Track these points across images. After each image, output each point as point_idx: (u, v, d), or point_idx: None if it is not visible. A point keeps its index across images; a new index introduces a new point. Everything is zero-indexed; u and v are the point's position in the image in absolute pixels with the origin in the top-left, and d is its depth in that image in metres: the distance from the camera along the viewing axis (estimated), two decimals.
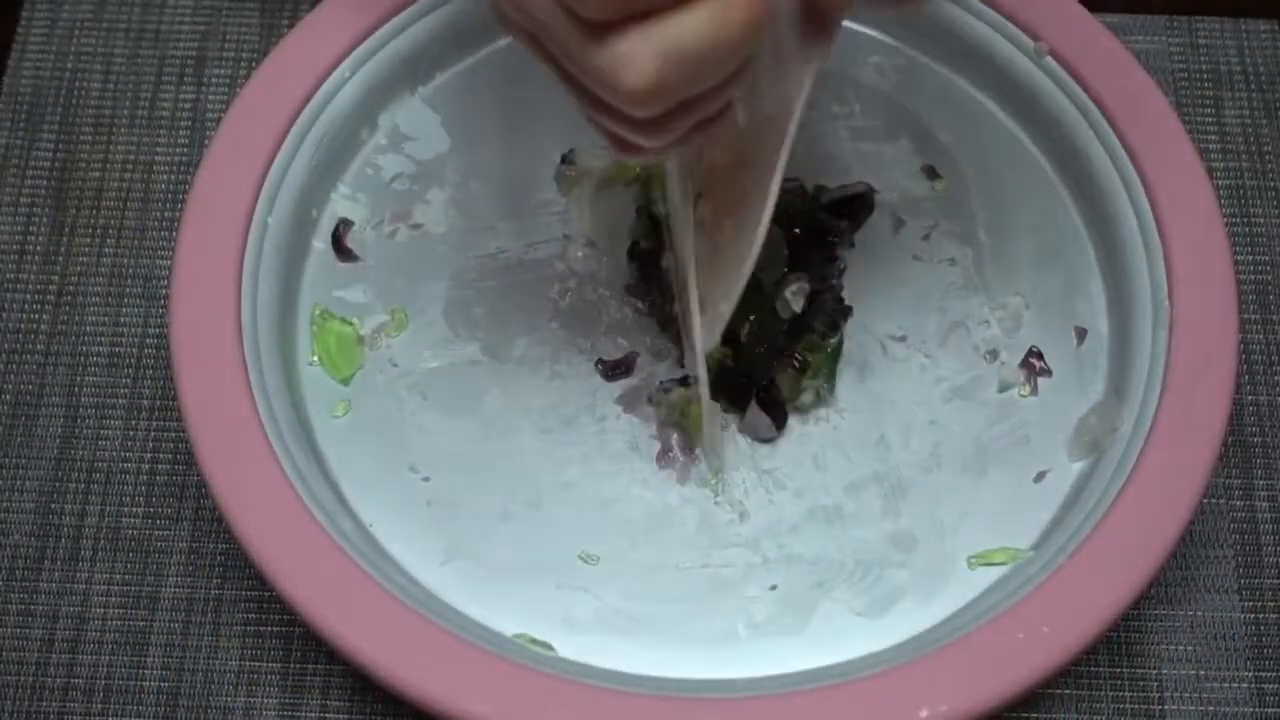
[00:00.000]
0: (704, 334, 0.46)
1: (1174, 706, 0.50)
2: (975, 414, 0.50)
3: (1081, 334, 0.51)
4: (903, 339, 0.52)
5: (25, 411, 0.54)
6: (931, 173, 0.54)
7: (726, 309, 0.45)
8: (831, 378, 0.50)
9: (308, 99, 0.51)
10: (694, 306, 0.45)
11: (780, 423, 0.50)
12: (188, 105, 0.60)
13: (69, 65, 0.61)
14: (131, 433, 0.54)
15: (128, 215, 0.58)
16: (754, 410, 0.49)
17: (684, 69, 0.33)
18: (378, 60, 0.53)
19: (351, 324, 0.51)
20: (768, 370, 0.50)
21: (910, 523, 0.48)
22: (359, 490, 0.49)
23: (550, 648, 0.46)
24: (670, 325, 0.51)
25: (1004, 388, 0.51)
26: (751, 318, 0.49)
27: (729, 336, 0.49)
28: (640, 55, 0.33)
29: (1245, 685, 0.50)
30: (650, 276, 0.51)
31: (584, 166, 0.54)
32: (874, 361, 0.51)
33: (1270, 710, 0.50)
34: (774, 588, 0.47)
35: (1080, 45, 0.52)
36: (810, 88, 0.41)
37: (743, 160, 0.45)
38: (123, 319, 0.56)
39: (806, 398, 0.50)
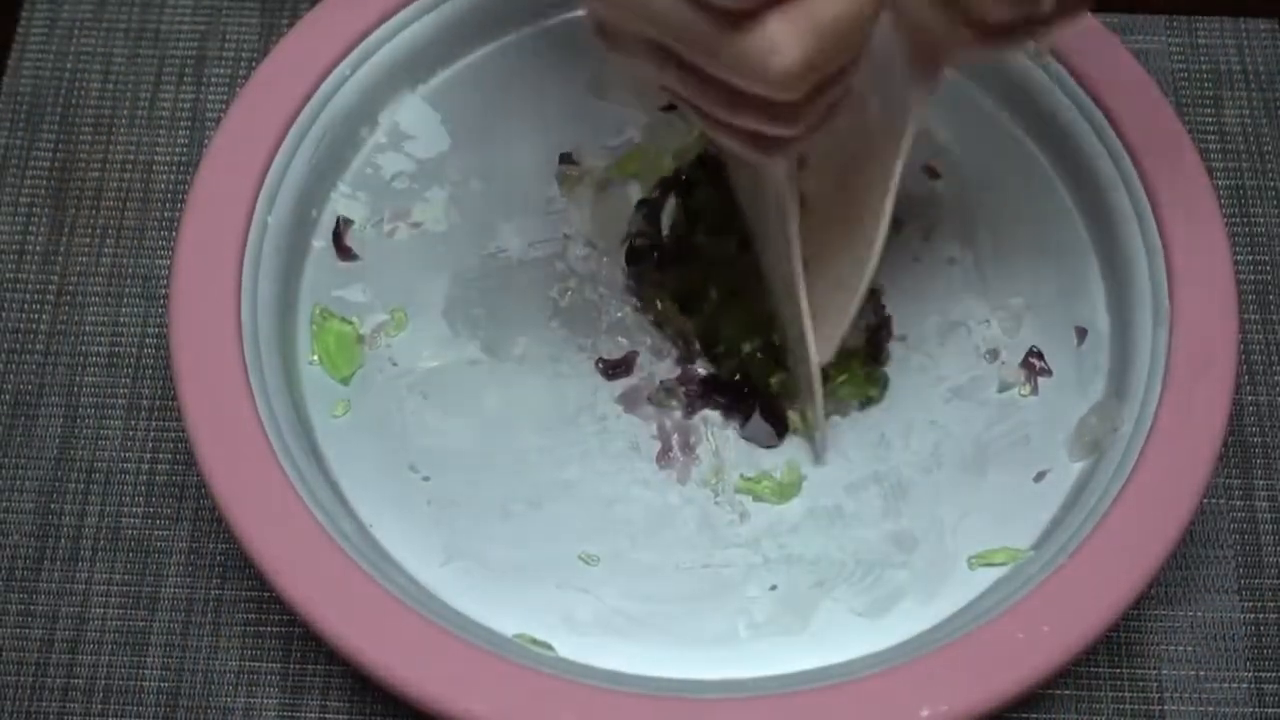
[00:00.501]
0: (817, 352, 0.47)
1: (1174, 707, 0.50)
2: (976, 414, 0.50)
3: (1082, 334, 0.51)
4: (903, 339, 0.52)
5: (25, 411, 0.54)
6: (932, 173, 0.54)
7: (837, 330, 0.47)
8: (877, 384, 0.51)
9: (307, 98, 0.51)
10: (807, 322, 0.46)
11: (781, 432, 0.50)
12: (187, 105, 0.60)
13: (69, 65, 0.61)
14: (131, 433, 0.54)
15: (127, 215, 0.58)
16: (756, 420, 0.49)
17: (824, 44, 0.35)
18: (378, 59, 0.53)
19: (351, 323, 0.51)
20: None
21: (911, 523, 0.48)
22: (359, 490, 0.49)
23: (550, 648, 0.46)
24: (668, 324, 0.51)
25: (1004, 388, 0.51)
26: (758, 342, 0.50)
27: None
28: (786, 36, 0.34)
29: (1245, 685, 0.50)
30: (643, 277, 0.51)
31: (585, 166, 0.54)
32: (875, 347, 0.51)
33: (1270, 711, 0.50)
34: (774, 588, 0.47)
35: (1080, 45, 0.52)
36: (918, 117, 0.43)
37: (844, 184, 0.46)
38: (122, 319, 0.56)
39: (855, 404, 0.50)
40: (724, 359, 0.50)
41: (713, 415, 0.50)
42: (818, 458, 0.49)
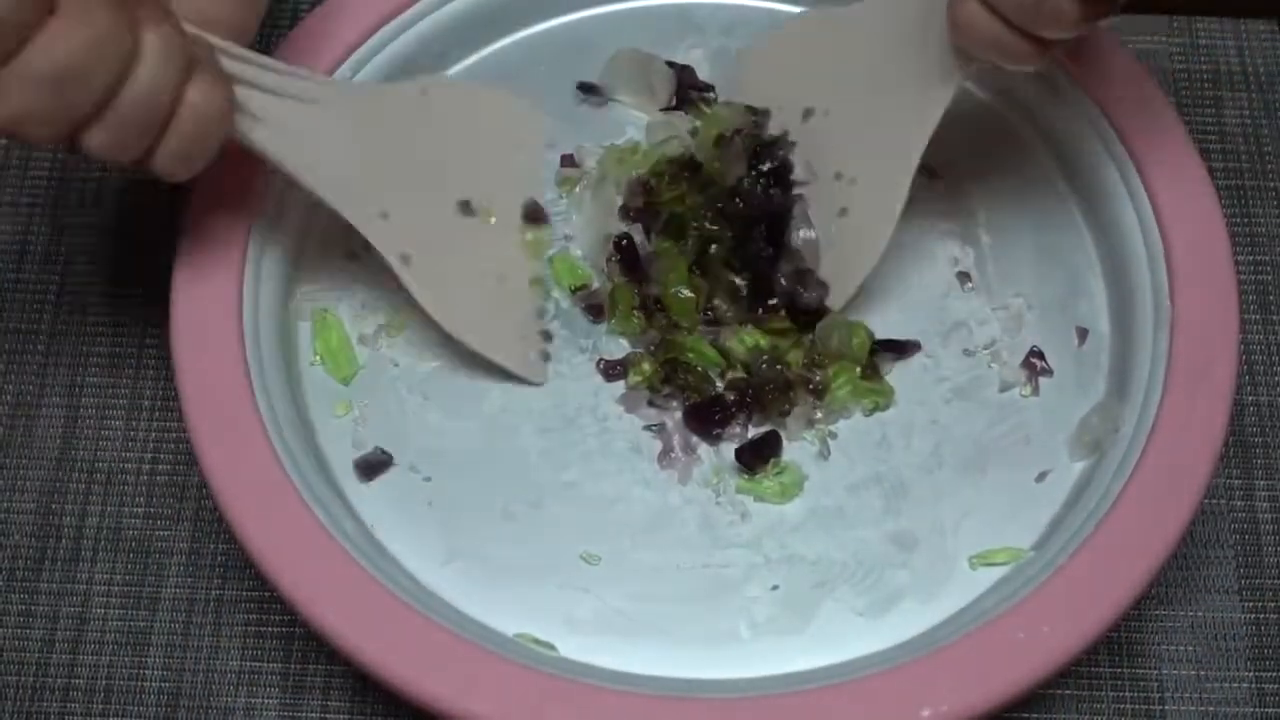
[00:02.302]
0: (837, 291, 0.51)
1: (1174, 707, 0.50)
2: (976, 414, 0.50)
3: (1083, 334, 0.52)
4: (904, 338, 0.52)
5: (25, 411, 0.54)
6: (932, 173, 0.54)
7: (852, 282, 0.51)
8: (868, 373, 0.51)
9: None
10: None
11: (775, 454, 0.50)
12: None
13: None
14: (132, 433, 0.54)
15: (128, 216, 0.58)
16: (750, 449, 0.50)
17: None
18: (378, 61, 0.53)
19: (353, 324, 0.51)
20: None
21: (911, 523, 0.48)
22: (359, 490, 0.49)
23: (552, 648, 0.46)
24: (655, 315, 0.51)
25: (1005, 388, 0.51)
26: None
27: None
28: None
29: (1246, 685, 0.50)
30: (635, 266, 0.52)
31: (585, 168, 0.54)
32: (875, 362, 0.51)
33: (1271, 711, 0.50)
34: (775, 588, 0.47)
35: (1080, 45, 0.52)
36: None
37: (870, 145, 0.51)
38: (123, 319, 0.56)
39: (866, 404, 0.50)
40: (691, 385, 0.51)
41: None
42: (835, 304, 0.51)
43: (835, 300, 0.51)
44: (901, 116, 0.49)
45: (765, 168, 0.52)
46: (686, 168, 0.53)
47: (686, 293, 0.51)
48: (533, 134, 0.54)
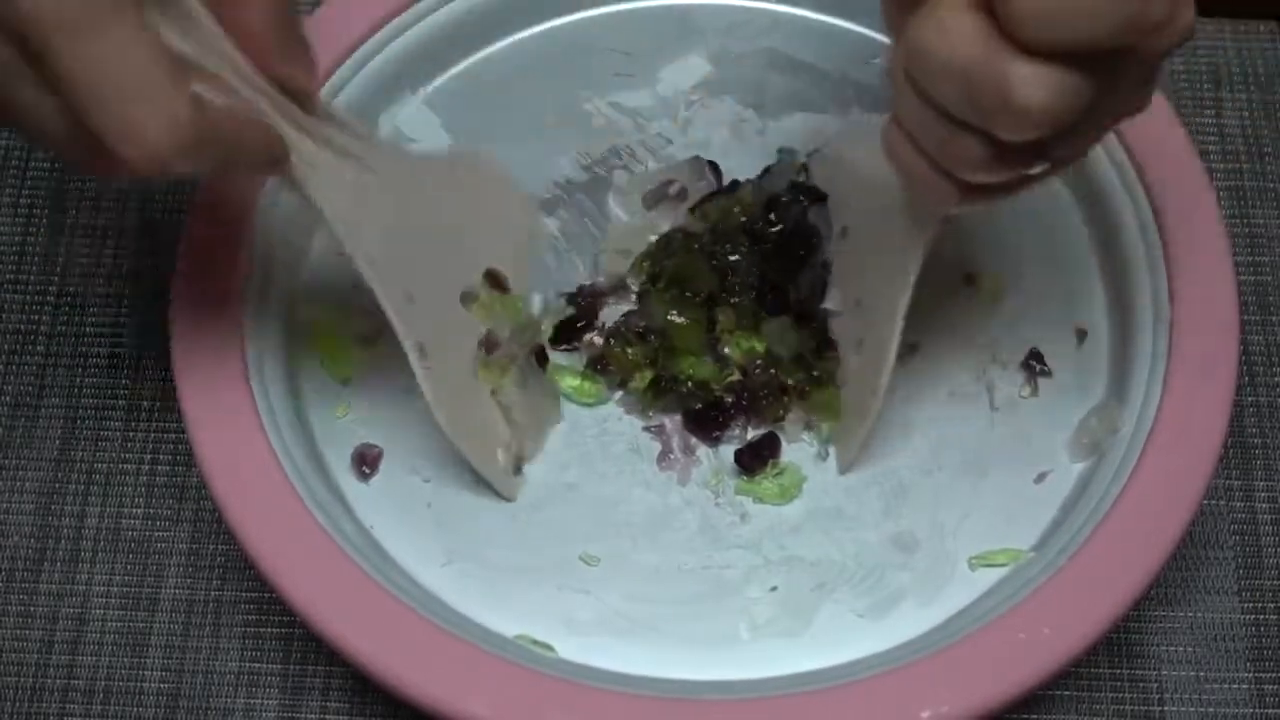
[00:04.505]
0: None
1: (1174, 708, 0.50)
2: (976, 415, 0.50)
3: (1082, 335, 0.51)
4: (903, 339, 0.51)
5: (25, 412, 0.54)
6: None
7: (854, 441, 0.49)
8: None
9: None
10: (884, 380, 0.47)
11: (774, 455, 0.49)
12: None
13: None
14: (131, 434, 0.54)
15: (128, 216, 0.58)
16: (749, 452, 0.49)
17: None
18: (378, 62, 0.53)
19: (353, 324, 0.51)
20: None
21: (911, 524, 0.48)
22: (359, 491, 0.49)
23: (551, 649, 0.46)
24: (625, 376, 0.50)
25: (1004, 389, 0.51)
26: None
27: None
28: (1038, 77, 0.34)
29: (1245, 686, 0.50)
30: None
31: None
32: None
33: (1270, 711, 0.50)
34: (775, 589, 0.47)
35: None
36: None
37: (860, 304, 0.48)
38: (123, 320, 0.56)
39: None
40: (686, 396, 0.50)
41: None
42: (841, 469, 0.49)
43: (842, 457, 0.49)
44: (900, 253, 0.45)
45: (802, 179, 0.51)
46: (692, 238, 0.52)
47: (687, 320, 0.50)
48: (523, 220, 0.53)
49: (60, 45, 0.33)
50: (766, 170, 0.53)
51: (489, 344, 0.48)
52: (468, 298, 0.49)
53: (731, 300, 0.50)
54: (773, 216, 0.51)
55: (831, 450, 0.50)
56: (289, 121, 0.41)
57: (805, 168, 0.52)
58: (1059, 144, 0.36)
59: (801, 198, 0.51)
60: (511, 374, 0.49)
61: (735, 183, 0.53)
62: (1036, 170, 0.38)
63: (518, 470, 0.49)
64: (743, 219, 0.51)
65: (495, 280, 0.49)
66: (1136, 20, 0.33)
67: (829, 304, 0.50)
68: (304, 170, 0.41)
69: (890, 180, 0.43)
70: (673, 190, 0.53)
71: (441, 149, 0.53)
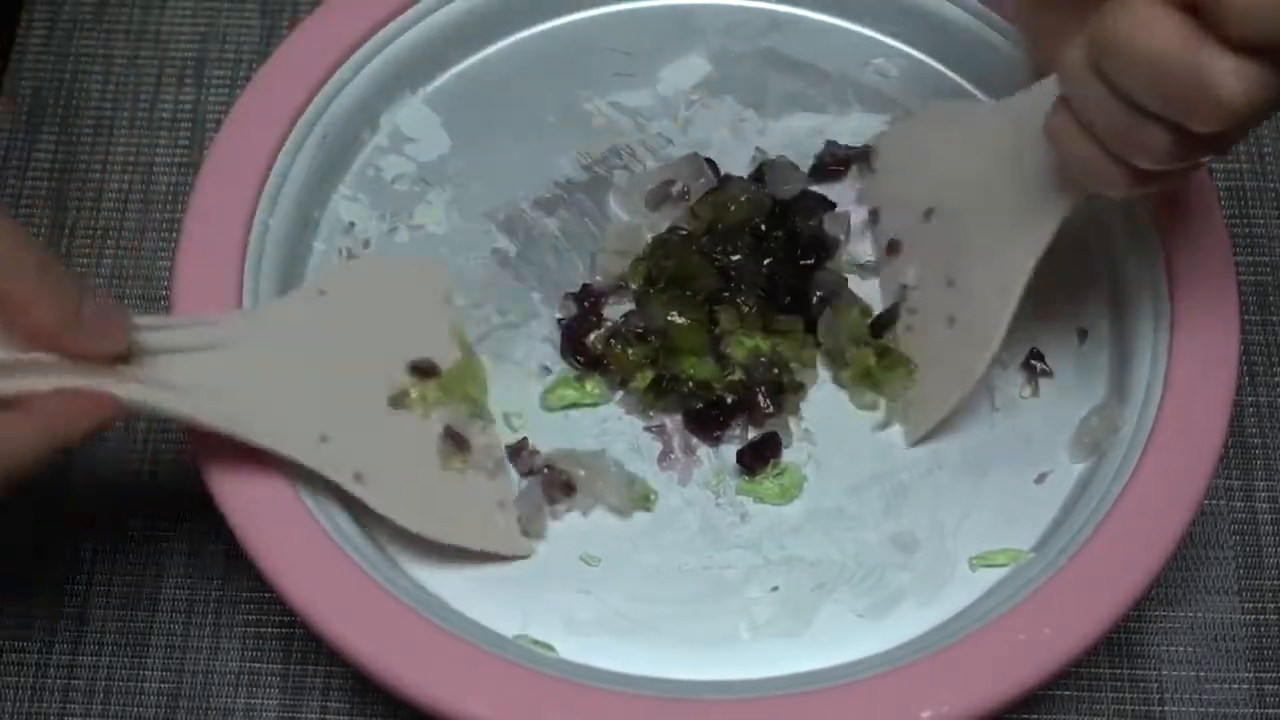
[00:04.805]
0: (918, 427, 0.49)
1: (1174, 708, 0.50)
2: (976, 415, 0.50)
3: (1082, 335, 0.51)
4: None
5: None
6: None
7: (929, 421, 0.49)
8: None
9: (308, 100, 0.51)
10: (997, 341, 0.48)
11: (775, 455, 0.49)
12: (188, 106, 0.60)
13: (69, 66, 0.61)
14: (132, 433, 0.54)
15: (128, 216, 0.58)
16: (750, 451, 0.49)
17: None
18: (379, 62, 0.53)
19: None
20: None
21: (911, 524, 0.48)
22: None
23: (551, 649, 0.46)
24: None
25: (1005, 389, 0.51)
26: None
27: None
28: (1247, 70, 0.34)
29: (1246, 686, 0.50)
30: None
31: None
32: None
33: (1271, 711, 0.50)
34: (775, 589, 0.47)
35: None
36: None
37: (952, 281, 0.49)
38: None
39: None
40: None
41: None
42: (910, 441, 0.50)
43: (915, 430, 0.49)
44: (1015, 234, 0.46)
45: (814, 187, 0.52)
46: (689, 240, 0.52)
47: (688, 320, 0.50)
48: (435, 289, 0.51)
49: None
50: (759, 173, 0.53)
51: (457, 440, 0.47)
52: (399, 400, 0.47)
53: (738, 300, 0.50)
54: (785, 223, 0.51)
55: (831, 452, 0.50)
56: (114, 378, 0.41)
57: (848, 161, 0.53)
58: (1237, 133, 0.37)
59: (815, 204, 0.52)
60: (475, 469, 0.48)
61: (727, 177, 0.53)
62: (1207, 160, 0.39)
63: (524, 529, 0.48)
64: (741, 218, 0.51)
65: (422, 370, 0.48)
66: None
67: (906, 280, 0.50)
68: (153, 395, 0.41)
69: (992, 164, 0.46)
70: (675, 191, 0.53)
71: (304, 284, 0.51)
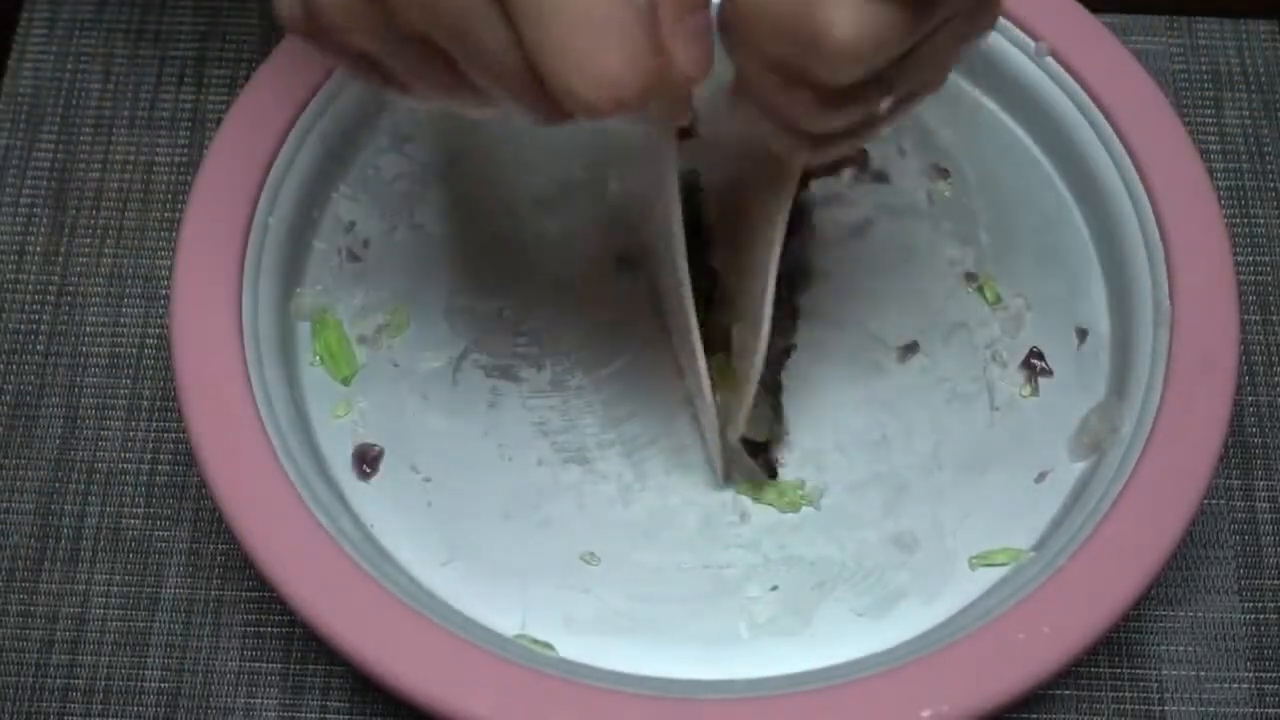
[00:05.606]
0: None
1: (1174, 707, 0.50)
2: (976, 414, 0.50)
3: (1082, 334, 0.52)
4: (903, 339, 0.52)
5: (25, 412, 0.54)
6: (942, 174, 0.54)
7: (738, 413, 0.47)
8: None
9: (309, 99, 0.51)
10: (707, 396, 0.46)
11: (771, 473, 0.49)
12: (188, 106, 0.60)
13: (69, 65, 0.61)
14: (131, 433, 0.54)
15: (128, 216, 0.58)
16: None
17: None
18: None
19: (353, 324, 0.51)
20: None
21: (911, 523, 0.48)
22: (359, 490, 0.49)
23: (551, 648, 0.46)
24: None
25: (1005, 388, 0.51)
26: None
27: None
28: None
29: (1246, 686, 0.50)
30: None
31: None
32: (875, 362, 0.51)
33: (1271, 711, 0.50)
34: (775, 588, 0.47)
35: (1081, 45, 0.52)
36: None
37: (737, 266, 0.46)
38: (123, 319, 0.56)
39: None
40: None
41: None
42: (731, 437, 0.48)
43: (734, 430, 0.47)
44: (764, 209, 0.44)
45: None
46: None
47: None
48: None
49: None
50: (692, 193, 0.50)
51: None
52: None
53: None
54: None
55: (832, 452, 0.50)
56: None
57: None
58: (899, 78, 0.36)
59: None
60: None
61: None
62: (884, 108, 0.37)
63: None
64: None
65: None
66: None
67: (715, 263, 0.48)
68: None
69: (748, 149, 0.43)
70: None
71: None
